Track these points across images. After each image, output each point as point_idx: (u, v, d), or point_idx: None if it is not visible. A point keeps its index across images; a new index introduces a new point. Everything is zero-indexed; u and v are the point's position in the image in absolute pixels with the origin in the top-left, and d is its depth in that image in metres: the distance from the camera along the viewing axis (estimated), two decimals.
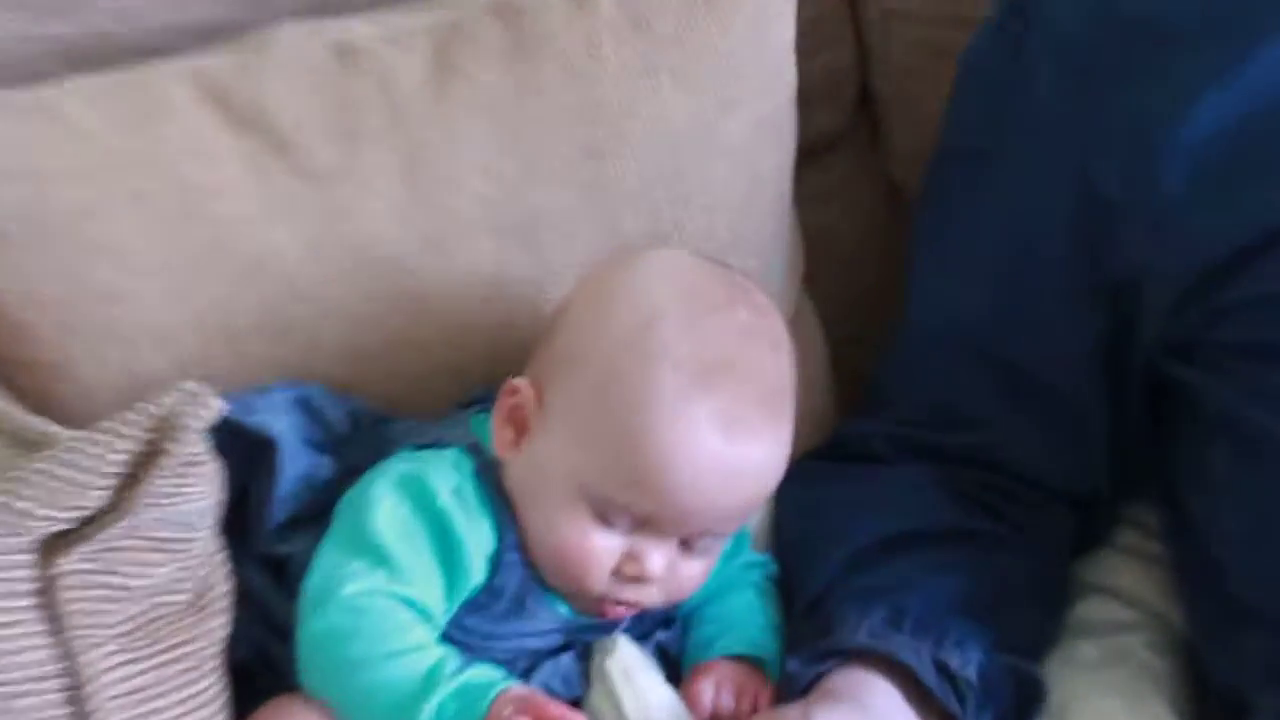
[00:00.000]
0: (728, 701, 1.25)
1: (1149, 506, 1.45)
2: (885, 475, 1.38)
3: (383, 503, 1.20)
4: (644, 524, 1.20)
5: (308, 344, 1.33)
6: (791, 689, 1.24)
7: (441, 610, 1.20)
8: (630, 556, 1.21)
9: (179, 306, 1.30)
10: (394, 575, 1.18)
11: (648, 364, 1.18)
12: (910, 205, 1.47)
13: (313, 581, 1.20)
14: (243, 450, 1.26)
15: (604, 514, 1.19)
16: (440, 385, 1.35)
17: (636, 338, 1.19)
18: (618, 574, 1.21)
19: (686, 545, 1.22)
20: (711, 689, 1.26)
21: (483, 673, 1.16)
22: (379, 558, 1.18)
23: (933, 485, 1.37)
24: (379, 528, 1.19)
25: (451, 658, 1.17)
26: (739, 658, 1.28)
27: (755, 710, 1.25)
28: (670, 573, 1.22)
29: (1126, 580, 1.43)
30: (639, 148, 1.36)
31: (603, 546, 1.20)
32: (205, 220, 1.31)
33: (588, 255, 1.36)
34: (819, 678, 1.24)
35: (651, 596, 1.23)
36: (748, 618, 1.30)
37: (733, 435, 1.18)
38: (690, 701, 1.25)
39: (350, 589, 1.17)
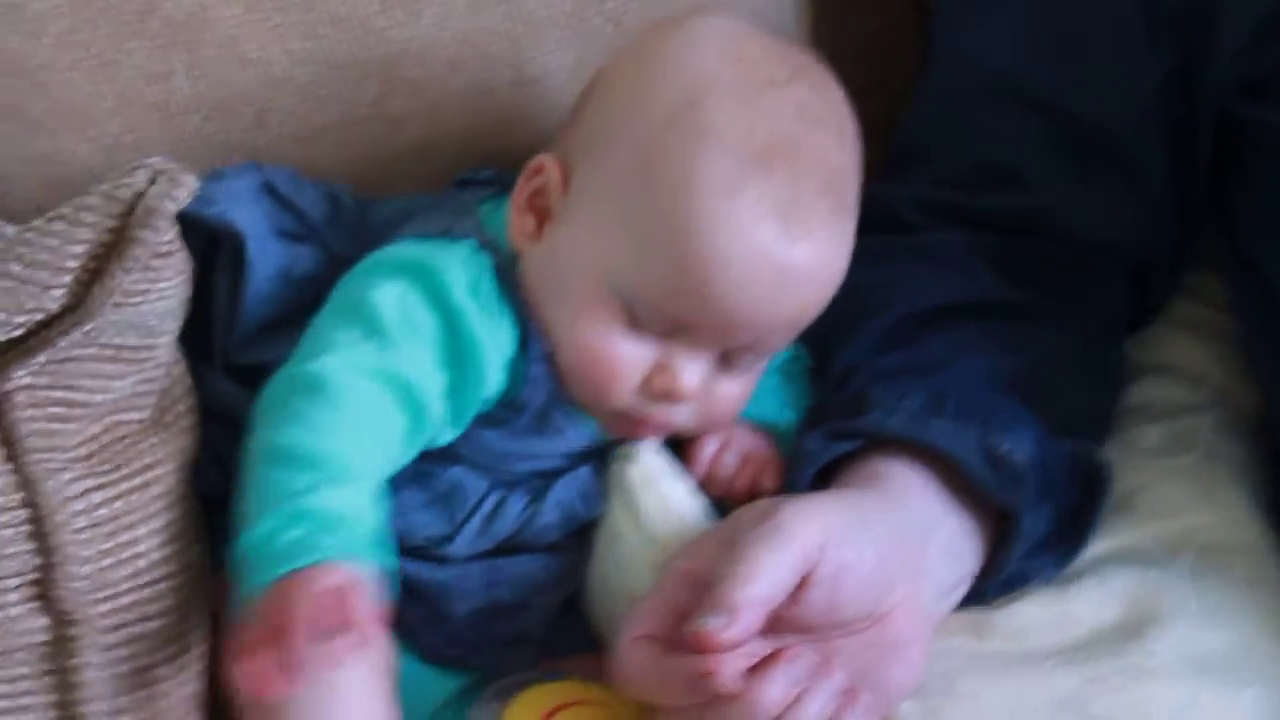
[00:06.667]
0: (731, 462, 1.24)
1: (1209, 274, 1.44)
2: (916, 245, 1.36)
3: (389, 284, 1.16)
4: (680, 331, 1.16)
5: (255, 119, 1.30)
6: (805, 467, 1.22)
7: (440, 409, 1.16)
8: (661, 368, 1.17)
9: (101, 81, 1.27)
10: (386, 348, 1.14)
11: (694, 143, 1.14)
12: None
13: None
14: (200, 246, 1.21)
15: (634, 316, 1.16)
16: (409, 165, 1.33)
17: (682, 113, 1.14)
18: (646, 387, 1.18)
19: (727, 360, 1.19)
20: (715, 445, 1.24)
21: (331, 539, 1.08)
22: (373, 329, 1.14)
23: (971, 253, 1.35)
24: (380, 303, 1.15)
25: (351, 489, 1.10)
26: (751, 425, 1.26)
27: (756, 482, 1.24)
28: (706, 392, 1.19)
29: (1188, 357, 1.43)
30: None
31: (630, 354, 1.17)
32: None
33: (574, 3, 1.33)
34: (837, 460, 1.22)
35: (682, 417, 1.20)
36: (765, 395, 1.27)
37: (791, 229, 1.14)
38: (690, 456, 1.23)
39: (327, 358, 1.12)
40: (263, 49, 1.29)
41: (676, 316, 1.15)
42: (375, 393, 1.13)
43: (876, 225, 1.38)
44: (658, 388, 1.17)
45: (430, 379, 1.15)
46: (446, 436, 1.19)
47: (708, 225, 1.13)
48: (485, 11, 1.32)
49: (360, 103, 1.31)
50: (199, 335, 1.23)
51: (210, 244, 1.22)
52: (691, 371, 1.17)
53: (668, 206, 1.14)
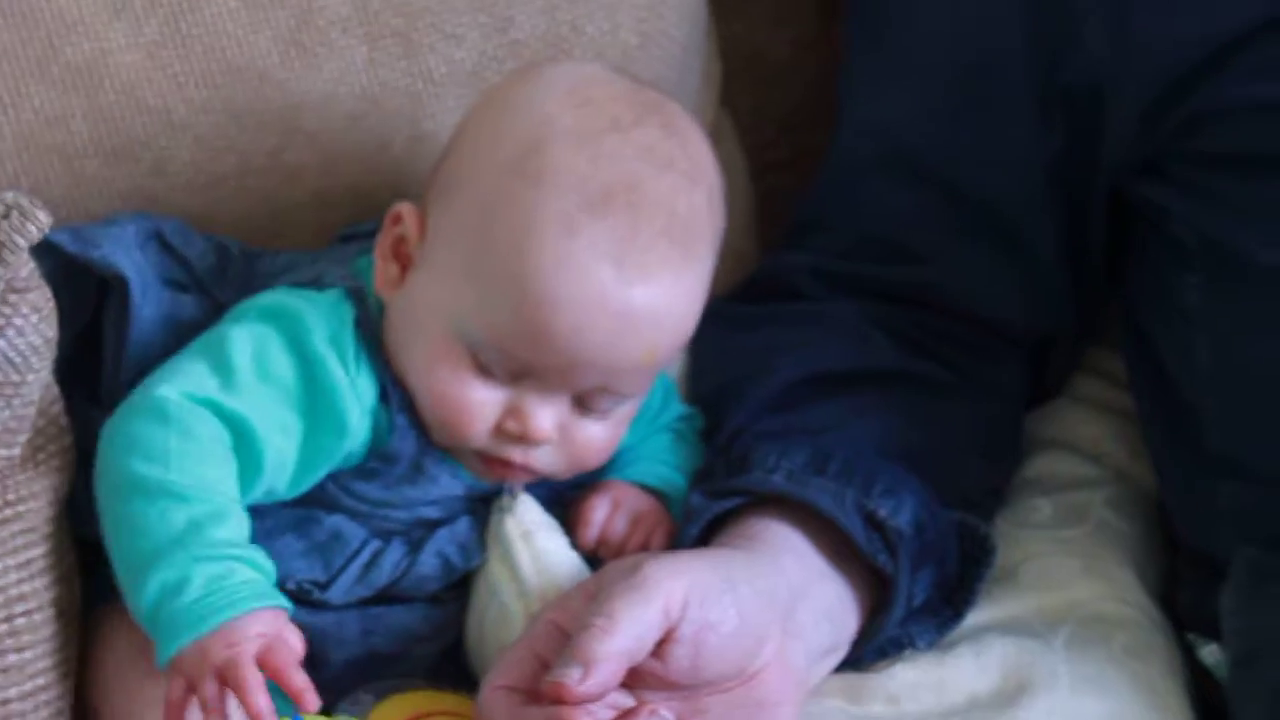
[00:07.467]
0: (620, 526, 1.24)
1: (1111, 352, 1.45)
2: (812, 313, 1.37)
3: (250, 327, 1.17)
4: (527, 374, 1.17)
5: (153, 166, 1.30)
6: (688, 526, 1.23)
7: (287, 455, 1.17)
8: (512, 411, 1.18)
9: (1, 121, 1.27)
10: (229, 387, 1.15)
11: (533, 187, 1.15)
12: (841, 10, 1.45)
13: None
14: (88, 291, 1.23)
15: (480, 361, 1.17)
16: (305, 216, 1.33)
17: (523, 158, 1.16)
18: (499, 431, 1.18)
19: (584, 403, 1.19)
20: (606, 507, 1.24)
21: (247, 575, 1.10)
22: (221, 366, 1.15)
23: (866, 324, 1.36)
24: (235, 343, 1.16)
25: (233, 521, 1.12)
26: (642, 487, 1.27)
27: (647, 545, 1.24)
28: (565, 436, 1.19)
29: (1086, 433, 1.43)
30: None
31: (481, 398, 1.17)
32: (28, 19, 1.28)
33: (474, 63, 1.34)
34: (722, 516, 1.23)
35: (546, 461, 1.20)
36: (657, 455, 1.28)
37: (626, 272, 1.14)
38: (580, 518, 1.23)
39: (165, 389, 1.13)
40: (162, 96, 1.30)
41: (519, 360, 1.16)
42: (215, 428, 1.14)
43: (772, 293, 1.40)
44: (510, 431, 1.18)
45: (274, 426, 1.16)
46: (297, 488, 1.19)
47: (544, 268, 1.14)
48: (385, 67, 1.33)
49: (258, 153, 1.32)
50: (91, 379, 1.24)
51: (102, 290, 1.23)
52: (543, 415, 1.18)
53: (506, 250, 1.14)
